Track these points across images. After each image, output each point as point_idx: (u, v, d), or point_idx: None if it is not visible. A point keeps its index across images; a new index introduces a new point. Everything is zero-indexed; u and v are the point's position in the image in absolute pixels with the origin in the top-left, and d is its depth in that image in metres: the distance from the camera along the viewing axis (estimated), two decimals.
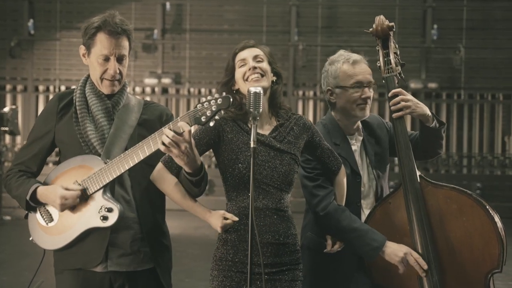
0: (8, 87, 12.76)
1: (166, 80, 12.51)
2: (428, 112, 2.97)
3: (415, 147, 3.03)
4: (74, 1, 12.66)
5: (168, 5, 12.62)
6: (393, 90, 2.95)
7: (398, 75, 2.98)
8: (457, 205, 2.81)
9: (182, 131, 2.39)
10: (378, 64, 3.02)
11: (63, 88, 12.56)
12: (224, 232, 2.64)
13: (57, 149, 2.85)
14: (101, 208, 2.60)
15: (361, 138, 3.07)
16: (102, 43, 2.65)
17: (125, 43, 2.69)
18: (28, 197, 2.69)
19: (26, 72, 12.63)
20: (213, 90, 12.71)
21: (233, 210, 2.66)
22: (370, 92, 3.01)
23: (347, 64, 3.04)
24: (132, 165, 2.55)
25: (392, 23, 3.00)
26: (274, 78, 2.74)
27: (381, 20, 3.01)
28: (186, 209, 2.70)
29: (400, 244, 2.82)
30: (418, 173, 2.89)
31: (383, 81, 3.01)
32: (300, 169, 2.92)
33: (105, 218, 2.59)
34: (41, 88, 12.75)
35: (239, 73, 2.70)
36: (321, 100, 12.81)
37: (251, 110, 2.45)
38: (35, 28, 12.50)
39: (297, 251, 2.71)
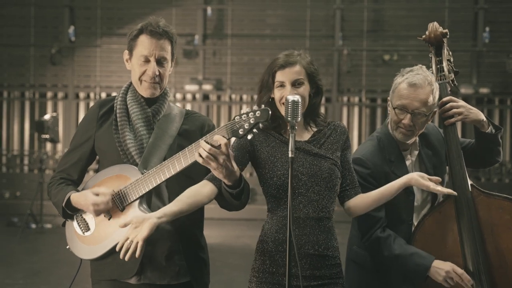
0: (49, 94, 13.03)
1: (207, 87, 12.59)
2: (482, 117, 2.94)
3: (471, 155, 3.00)
4: (114, 7, 12.87)
5: (209, 10, 12.71)
6: (445, 98, 2.94)
7: (450, 82, 2.97)
8: (510, 216, 2.78)
9: (218, 144, 2.39)
10: (431, 71, 3.00)
11: (103, 95, 12.77)
12: (261, 242, 2.66)
13: (98, 157, 2.89)
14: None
15: (416, 152, 3.03)
16: (142, 44, 2.70)
17: (167, 46, 2.73)
18: (63, 204, 2.74)
19: (67, 79, 12.87)
20: (255, 97, 12.73)
21: (273, 220, 2.66)
22: (415, 119, 2.86)
23: (405, 83, 2.88)
24: (168, 176, 2.56)
25: (446, 30, 3.01)
26: (313, 91, 2.72)
27: (434, 26, 3.01)
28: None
29: (445, 261, 2.79)
30: (469, 182, 2.85)
31: None
32: None
33: None
34: (81, 95, 12.98)
35: (276, 93, 2.69)
36: (366, 106, 12.71)
37: (289, 118, 2.45)
38: (75, 35, 12.72)
39: (337, 265, 2.69)
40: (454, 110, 2.90)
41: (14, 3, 12.83)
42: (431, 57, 3.04)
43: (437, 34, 2.99)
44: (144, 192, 2.60)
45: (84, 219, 2.77)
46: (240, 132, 2.38)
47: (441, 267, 2.77)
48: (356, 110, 12.78)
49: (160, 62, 2.71)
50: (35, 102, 13.03)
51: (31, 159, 12.89)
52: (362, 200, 2.73)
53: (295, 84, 2.66)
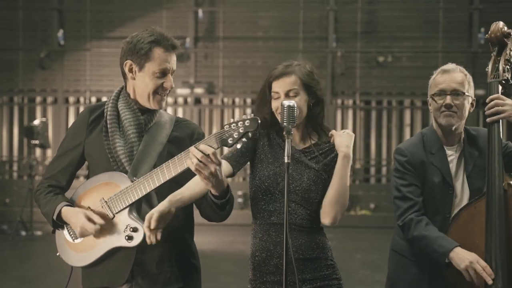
0: (38, 99, 13.02)
1: (198, 90, 12.61)
2: None
3: None
4: (104, 10, 12.87)
5: (200, 12, 12.74)
6: (491, 96, 3.01)
7: (503, 81, 3.04)
8: None
9: (207, 153, 2.42)
10: (487, 70, 3.10)
11: (93, 99, 12.76)
12: (251, 253, 2.75)
13: (87, 163, 2.90)
14: (126, 228, 2.64)
15: (461, 149, 3.15)
16: (160, 57, 2.72)
17: (175, 58, 2.80)
18: (54, 217, 2.76)
19: (56, 84, 12.87)
20: (248, 100, 12.77)
21: (256, 227, 2.76)
22: (455, 100, 3.06)
23: (439, 74, 3.15)
24: (158, 185, 2.58)
25: (510, 30, 3.08)
26: (313, 101, 2.77)
27: (497, 27, 3.10)
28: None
29: (471, 252, 2.88)
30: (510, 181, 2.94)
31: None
32: (393, 179, 3.16)
33: (130, 237, 2.63)
34: (71, 99, 12.97)
35: (273, 105, 2.76)
36: (361, 109, 12.75)
37: (284, 123, 2.48)
38: (65, 39, 12.73)
39: (328, 266, 2.75)
40: (498, 108, 2.96)
41: (1, 6, 12.83)
42: (492, 56, 3.12)
43: (498, 34, 3.08)
44: (134, 200, 2.63)
45: None
46: (230, 142, 2.41)
47: (465, 256, 2.87)
48: (350, 112, 12.82)
49: (171, 75, 2.78)
50: (24, 107, 13.02)
51: (20, 165, 12.87)
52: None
53: (288, 94, 2.71)
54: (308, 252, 2.71)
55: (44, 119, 11.26)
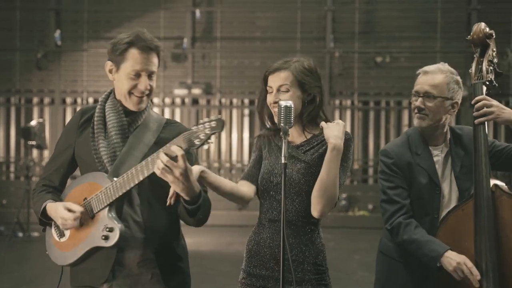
0: (35, 100, 13.00)
1: (196, 91, 12.61)
2: None
3: (510, 158, 3.10)
4: (101, 10, 12.86)
5: (198, 12, 12.74)
6: (477, 97, 3.02)
7: (487, 82, 3.05)
8: None
9: (175, 155, 2.40)
10: (470, 71, 3.12)
11: (91, 100, 12.76)
12: (247, 242, 2.83)
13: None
14: (104, 227, 2.67)
15: (447, 149, 3.15)
16: (134, 58, 2.72)
17: (156, 59, 2.76)
18: (39, 214, 2.81)
19: (53, 84, 12.86)
20: (245, 100, 12.77)
21: (258, 221, 2.84)
22: (427, 102, 3.05)
23: (420, 74, 3.16)
24: (132, 185, 2.60)
25: (491, 31, 3.10)
26: (308, 98, 2.78)
27: (479, 28, 3.11)
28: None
29: (460, 254, 2.88)
30: (498, 182, 2.94)
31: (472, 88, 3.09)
32: (379, 181, 3.14)
33: (106, 237, 2.65)
34: (68, 100, 12.96)
35: (267, 99, 2.82)
36: (359, 109, 12.76)
37: (281, 124, 2.50)
38: (62, 39, 12.72)
39: (318, 270, 2.75)
40: (486, 109, 2.97)
41: None
42: (475, 57, 3.13)
43: (480, 36, 3.09)
44: (111, 200, 2.65)
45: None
46: (196, 143, 2.39)
47: (453, 258, 2.86)
48: (348, 113, 12.83)
49: (150, 76, 2.75)
50: (21, 108, 13.00)
51: (17, 166, 12.86)
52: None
53: (280, 89, 2.75)
54: (295, 253, 2.71)
55: (41, 120, 11.25)
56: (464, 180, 3.10)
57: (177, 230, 2.89)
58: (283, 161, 2.45)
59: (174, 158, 2.40)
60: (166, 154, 2.42)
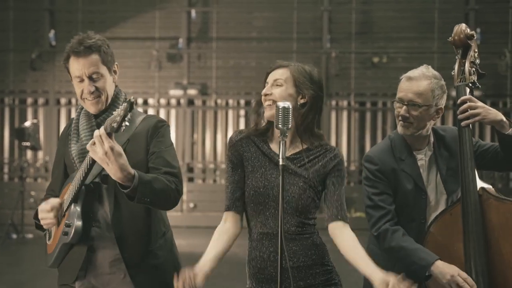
0: (29, 100, 12.98)
1: (192, 91, 12.60)
2: (500, 118, 2.98)
3: (494, 158, 3.08)
4: (96, 10, 12.85)
5: (193, 12, 12.73)
6: (461, 98, 2.99)
7: (470, 84, 3.02)
8: None
9: (97, 134, 2.53)
10: (453, 73, 3.08)
11: None
12: (247, 262, 2.77)
13: None
14: (65, 224, 2.78)
15: (430, 153, 3.11)
16: (73, 65, 2.85)
17: (95, 60, 2.84)
18: (34, 216, 2.92)
19: (48, 85, 12.83)
20: (241, 101, 12.77)
21: (251, 237, 2.76)
22: (411, 110, 3.00)
23: (403, 80, 3.10)
24: (84, 175, 2.71)
25: (472, 32, 3.08)
26: (302, 101, 2.74)
27: (459, 29, 3.08)
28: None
29: (450, 264, 2.84)
30: (485, 185, 2.93)
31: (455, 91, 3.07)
32: (364, 187, 3.11)
33: (65, 233, 2.77)
34: (63, 101, 12.93)
35: (262, 92, 2.80)
36: (355, 110, 12.76)
37: (279, 126, 2.47)
38: (56, 39, 12.69)
39: (325, 272, 2.74)
40: (471, 111, 2.94)
41: None
42: (457, 59, 3.10)
43: (461, 37, 3.06)
44: (72, 196, 2.76)
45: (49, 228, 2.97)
46: (114, 126, 2.49)
47: (446, 270, 2.82)
48: (345, 114, 12.83)
49: (92, 78, 2.83)
50: (15, 109, 12.97)
51: (11, 168, 12.83)
52: (338, 240, 2.73)
53: (274, 84, 2.74)
54: (302, 260, 2.69)
55: (35, 121, 11.23)
56: (451, 183, 3.08)
57: (150, 229, 2.91)
58: (280, 163, 2.42)
59: (99, 137, 2.55)
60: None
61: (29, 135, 10.54)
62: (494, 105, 12.32)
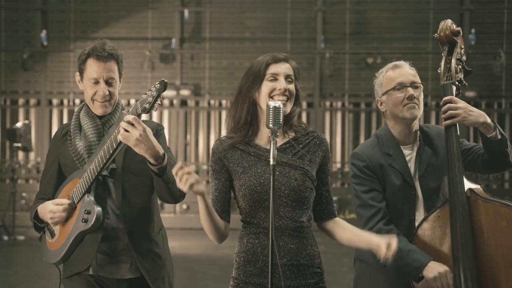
0: (21, 101, 12.94)
1: (185, 92, 12.59)
2: (482, 120, 2.94)
3: (478, 159, 3.04)
4: (88, 10, 12.83)
5: (186, 12, 12.72)
6: (444, 98, 2.96)
7: (457, 82, 2.99)
8: (506, 222, 2.80)
9: (129, 120, 2.75)
10: (439, 71, 3.05)
11: (77, 101, 12.71)
12: (237, 253, 2.75)
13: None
14: (83, 212, 2.92)
15: (417, 147, 3.09)
16: (91, 67, 3.06)
17: (114, 67, 3.08)
18: (32, 217, 3.08)
19: (39, 85, 12.80)
20: None
21: (246, 231, 2.73)
22: (415, 92, 3.03)
23: (390, 70, 3.13)
24: (102, 165, 2.88)
25: (458, 28, 3.04)
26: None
27: (445, 25, 3.05)
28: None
29: (441, 263, 2.84)
30: (473, 185, 2.90)
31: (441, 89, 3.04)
32: (352, 186, 3.09)
33: (85, 220, 2.91)
34: (55, 101, 12.91)
35: (267, 86, 2.70)
36: (349, 111, 12.78)
37: (270, 125, 2.47)
38: (48, 39, 12.68)
39: (316, 274, 2.72)
40: (451, 112, 2.91)
41: None
42: (443, 56, 3.06)
43: (447, 33, 3.02)
44: (88, 185, 2.92)
45: (50, 226, 3.09)
46: (146, 106, 2.76)
47: (435, 268, 2.82)
48: (339, 115, 12.84)
49: (108, 82, 3.05)
50: (6, 109, 12.94)
51: (2, 169, 12.78)
52: (339, 231, 2.78)
53: (288, 79, 2.70)
54: (295, 259, 2.67)
55: (27, 122, 11.21)
56: (429, 180, 3.04)
57: (152, 220, 3.13)
58: (271, 162, 2.42)
59: (131, 124, 2.75)
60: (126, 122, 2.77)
61: (20, 136, 10.51)
62: (489, 106, 12.37)
